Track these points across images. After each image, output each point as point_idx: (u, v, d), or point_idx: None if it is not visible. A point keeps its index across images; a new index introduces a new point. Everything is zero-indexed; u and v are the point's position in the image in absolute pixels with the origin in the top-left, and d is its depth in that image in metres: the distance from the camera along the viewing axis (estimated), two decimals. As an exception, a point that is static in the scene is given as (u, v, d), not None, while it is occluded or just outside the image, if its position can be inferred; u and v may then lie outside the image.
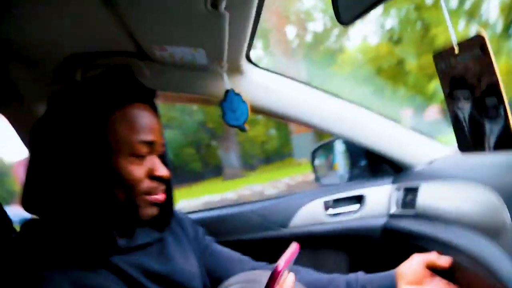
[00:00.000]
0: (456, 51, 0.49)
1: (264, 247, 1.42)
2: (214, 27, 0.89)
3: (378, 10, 12.52)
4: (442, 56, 0.51)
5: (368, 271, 1.03)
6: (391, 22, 13.29)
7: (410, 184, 1.24)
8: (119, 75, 0.80)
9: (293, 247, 0.73)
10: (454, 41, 0.50)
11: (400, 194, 1.27)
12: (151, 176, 0.77)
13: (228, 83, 1.20)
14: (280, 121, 1.40)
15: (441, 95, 0.53)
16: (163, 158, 0.82)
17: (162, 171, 0.78)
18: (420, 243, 1.11)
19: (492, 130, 0.47)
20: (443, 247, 1.01)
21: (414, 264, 0.94)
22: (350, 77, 12.83)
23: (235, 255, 1.06)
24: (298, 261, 1.50)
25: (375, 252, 1.34)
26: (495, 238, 0.84)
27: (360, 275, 0.99)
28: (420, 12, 11.95)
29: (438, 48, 0.52)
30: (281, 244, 1.41)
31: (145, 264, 0.78)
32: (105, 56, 1.09)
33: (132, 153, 0.75)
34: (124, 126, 0.75)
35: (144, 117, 0.77)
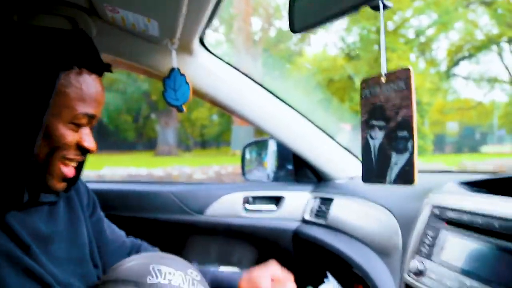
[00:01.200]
0: (383, 80, 0.52)
1: (177, 230, 1.42)
2: (172, 1, 0.86)
3: (342, 24, 12.91)
4: (369, 83, 0.54)
5: None
6: (352, 38, 13.78)
7: (326, 194, 1.30)
8: (80, 37, 0.77)
9: None
10: (384, 70, 0.52)
11: (316, 202, 1.33)
12: (79, 145, 0.77)
13: (175, 61, 1.18)
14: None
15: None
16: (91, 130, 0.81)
17: (91, 144, 0.78)
18: (324, 252, 1.18)
19: (396, 163, 0.50)
20: (342, 259, 1.07)
21: (259, 273, 0.96)
22: (302, 81, 13.11)
23: (120, 239, 1.03)
24: (209, 248, 1.51)
25: (283, 253, 1.39)
26: (386, 258, 0.91)
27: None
28: (379, 36, 12.49)
29: (367, 76, 0.55)
30: (194, 230, 1.42)
31: (33, 224, 0.76)
32: (53, 3, 1.01)
33: (71, 121, 0.74)
34: (73, 93, 0.73)
35: (94, 89, 0.76)
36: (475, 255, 0.65)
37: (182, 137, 16.13)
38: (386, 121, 0.51)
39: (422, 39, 13.71)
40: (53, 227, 0.80)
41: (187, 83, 1.18)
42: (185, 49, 1.20)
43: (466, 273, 0.64)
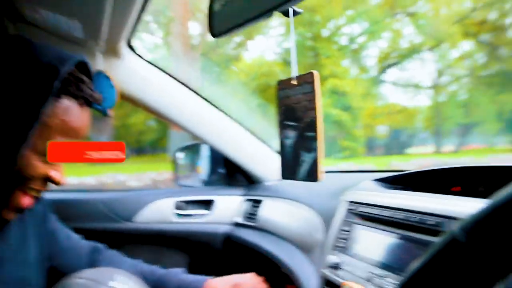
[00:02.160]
0: (294, 82, 0.55)
1: (105, 239, 1.36)
2: (95, 0, 0.84)
3: (279, 29, 13.20)
4: (283, 85, 0.56)
5: (205, 274, 1.06)
6: (288, 44, 14.12)
7: (255, 197, 1.32)
8: (82, 64, 0.73)
9: None
10: (295, 73, 0.55)
11: (247, 205, 1.35)
12: (47, 178, 0.71)
13: (101, 64, 1.14)
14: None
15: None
16: None
17: (61, 178, 0.73)
18: (254, 254, 1.19)
19: (305, 161, 0.53)
20: (270, 259, 1.10)
21: (223, 282, 0.99)
22: (241, 86, 13.22)
23: (80, 245, 1.02)
24: (140, 256, 1.48)
25: (215, 257, 1.39)
26: (309, 254, 0.96)
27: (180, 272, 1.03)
28: (315, 42, 13.00)
29: (282, 78, 0.57)
30: (123, 238, 1.38)
31: None
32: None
33: (45, 153, 0.67)
34: (56, 125, 0.67)
35: (81, 123, 0.72)
36: (382, 246, 0.70)
37: (118, 144, 15.46)
38: (298, 121, 0.54)
39: (354, 46, 14.47)
40: (5, 248, 0.75)
41: (112, 86, 1.15)
42: (112, 52, 1.17)
43: (375, 263, 0.69)
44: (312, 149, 0.53)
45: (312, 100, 0.53)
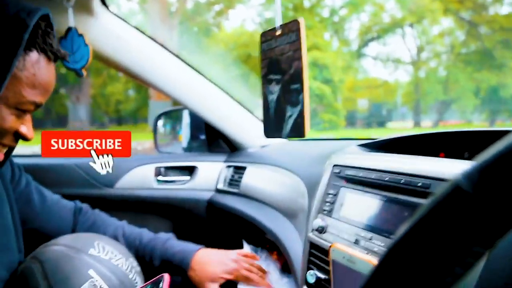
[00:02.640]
0: (278, 32, 0.51)
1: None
2: None
3: (260, -1, 12.93)
4: (266, 37, 0.53)
5: (189, 241, 1.04)
6: (269, 14, 13.89)
7: (238, 163, 1.30)
8: (47, 18, 0.69)
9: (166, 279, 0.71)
10: (279, 22, 0.51)
11: (229, 171, 1.33)
12: (17, 132, 0.71)
13: (72, 20, 1.07)
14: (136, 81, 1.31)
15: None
16: None
17: (30, 133, 0.72)
18: (238, 220, 1.19)
19: (290, 116, 0.50)
20: (255, 226, 1.09)
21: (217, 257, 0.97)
22: (221, 55, 13.00)
23: (61, 205, 1.00)
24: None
25: (198, 223, 1.38)
26: (294, 219, 0.95)
27: (168, 238, 1.00)
28: (296, 13, 12.80)
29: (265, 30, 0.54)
30: (104, 204, 1.35)
31: None
32: None
33: (16, 107, 0.68)
34: (26, 78, 0.66)
35: (48, 77, 0.70)
36: (369, 209, 0.69)
37: (96, 114, 15.16)
38: (282, 74, 0.51)
39: (336, 19, 14.34)
40: None
41: (86, 45, 1.09)
42: (84, 8, 1.11)
43: (361, 225, 0.69)
44: (298, 102, 0.50)
45: (297, 49, 0.49)
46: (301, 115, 0.48)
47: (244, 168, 1.27)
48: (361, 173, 0.73)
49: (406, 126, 14.59)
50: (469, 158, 0.77)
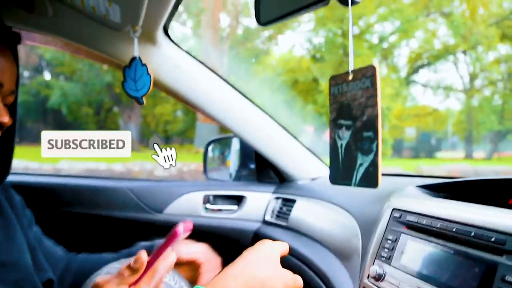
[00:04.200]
0: (350, 77, 0.50)
1: (134, 229, 1.36)
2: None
3: (309, 25, 13.08)
4: (337, 80, 0.51)
5: None
6: (318, 40, 13.96)
7: (288, 195, 1.28)
8: None
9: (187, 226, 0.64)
10: (351, 67, 0.50)
11: (277, 203, 1.31)
12: None
13: (137, 50, 1.12)
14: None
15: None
16: (11, 109, 0.77)
17: (3, 117, 0.72)
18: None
19: (362, 165, 0.48)
20: (303, 262, 1.06)
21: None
22: (268, 80, 13.15)
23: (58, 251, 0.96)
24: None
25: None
26: (346, 261, 0.91)
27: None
28: (345, 39, 12.77)
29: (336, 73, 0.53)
30: (152, 229, 1.36)
31: None
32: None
33: None
34: None
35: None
36: (433, 260, 0.65)
37: (145, 133, 15.76)
38: (353, 120, 0.49)
39: (385, 45, 14.14)
40: None
41: (148, 74, 1.13)
42: (148, 38, 1.15)
43: (424, 277, 0.64)
44: (370, 150, 0.48)
45: (371, 96, 0.48)
46: (373, 164, 0.46)
47: (293, 201, 1.24)
48: (424, 221, 0.68)
49: (456, 156, 13.90)
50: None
